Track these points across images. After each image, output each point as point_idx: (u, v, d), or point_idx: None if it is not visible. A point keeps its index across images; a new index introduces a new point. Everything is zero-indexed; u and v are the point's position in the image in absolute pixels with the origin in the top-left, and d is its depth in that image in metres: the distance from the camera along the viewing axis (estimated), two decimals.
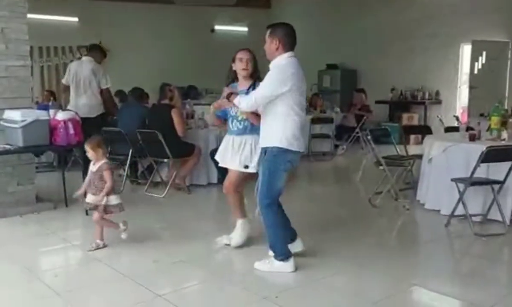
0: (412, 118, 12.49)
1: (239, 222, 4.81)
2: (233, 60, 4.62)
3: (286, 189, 7.60)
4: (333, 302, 3.82)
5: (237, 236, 4.79)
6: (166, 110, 7.03)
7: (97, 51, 8.16)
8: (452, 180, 5.44)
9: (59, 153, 7.76)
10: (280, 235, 4.30)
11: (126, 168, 7.38)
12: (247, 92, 4.36)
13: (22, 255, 4.76)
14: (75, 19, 12.89)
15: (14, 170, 6.10)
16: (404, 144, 7.54)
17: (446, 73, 12.23)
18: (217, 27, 14.99)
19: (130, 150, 7.15)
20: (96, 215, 4.76)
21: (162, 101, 7.32)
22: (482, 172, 5.42)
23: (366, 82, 13.24)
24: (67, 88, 8.09)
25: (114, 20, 12.79)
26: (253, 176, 4.69)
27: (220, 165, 4.80)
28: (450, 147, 5.85)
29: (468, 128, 6.49)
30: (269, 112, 4.16)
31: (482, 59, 11.09)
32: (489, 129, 6.45)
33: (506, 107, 8.65)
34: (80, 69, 7.80)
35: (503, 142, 5.86)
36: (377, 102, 12.69)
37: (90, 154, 4.78)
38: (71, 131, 5.76)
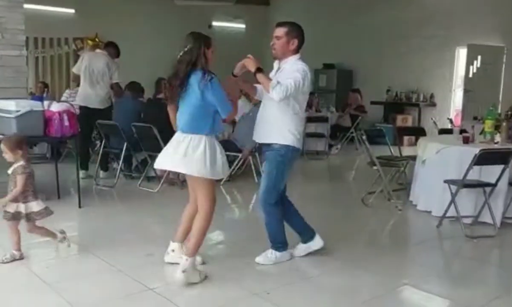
0: (406, 119, 12.53)
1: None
2: (208, 46, 4.00)
3: None
4: (323, 300, 3.83)
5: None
6: (162, 105, 7.01)
7: (113, 48, 8.13)
8: (444, 181, 5.48)
9: (52, 144, 7.74)
10: (282, 228, 4.40)
11: (121, 161, 7.38)
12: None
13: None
14: (72, 10, 12.81)
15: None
16: (398, 146, 7.57)
17: (441, 76, 12.28)
18: (214, 23, 14.96)
19: (125, 144, 7.15)
20: (27, 226, 4.34)
21: (158, 96, 7.32)
22: (475, 174, 5.46)
23: (362, 83, 13.27)
24: (76, 77, 8.05)
25: (111, 13, 12.74)
26: None
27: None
28: (444, 149, 5.87)
29: (462, 131, 6.53)
30: (278, 108, 4.10)
31: (477, 63, 11.14)
32: (482, 132, 6.49)
33: (499, 111, 8.70)
34: (94, 61, 7.75)
35: (496, 146, 5.90)
36: (372, 103, 12.73)
37: (7, 155, 4.25)
38: (66, 123, 5.73)
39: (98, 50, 8.18)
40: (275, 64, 4.33)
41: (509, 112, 7.65)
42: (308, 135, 10.21)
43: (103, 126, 7.41)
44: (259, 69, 4.01)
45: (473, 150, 5.37)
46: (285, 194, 4.46)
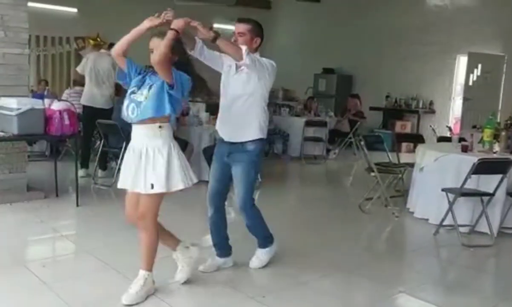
0: (405, 126, 12.54)
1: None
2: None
3: (277, 191, 7.70)
4: (318, 305, 3.84)
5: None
6: None
7: None
8: (442, 189, 5.49)
9: (52, 143, 7.76)
10: (265, 223, 4.33)
11: (119, 161, 7.38)
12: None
13: (10, 243, 4.77)
14: (74, 10, 12.84)
15: (6, 157, 6.11)
16: (396, 152, 7.59)
17: (441, 83, 12.30)
18: (216, 25, 14.93)
19: (124, 143, 7.15)
20: None
21: None
22: (473, 183, 5.47)
23: (361, 88, 13.28)
24: (79, 77, 8.06)
25: (114, 13, 12.73)
26: None
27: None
28: (442, 157, 5.89)
29: (461, 140, 6.54)
30: (253, 101, 4.01)
31: (478, 72, 11.16)
32: (481, 141, 6.51)
33: (499, 120, 8.72)
34: (99, 61, 7.76)
35: (494, 155, 5.92)
36: (371, 108, 12.74)
37: None
38: (66, 121, 5.75)
39: (102, 50, 8.19)
40: (229, 60, 4.04)
41: (509, 122, 7.66)
42: (306, 139, 10.24)
43: (102, 125, 7.42)
44: (217, 35, 3.71)
45: (472, 159, 5.38)
46: (225, 202, 4.32)
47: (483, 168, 5.25)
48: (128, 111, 3.56)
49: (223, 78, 4.14)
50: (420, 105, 12.49)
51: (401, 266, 4.97)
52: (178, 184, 3.62)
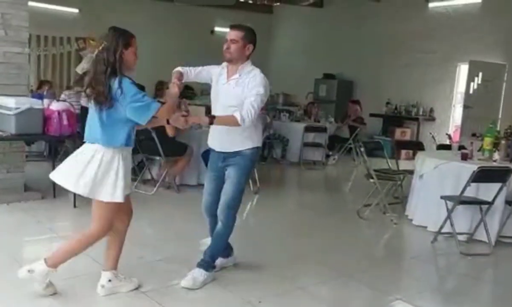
0: (405, 133, 12.53)
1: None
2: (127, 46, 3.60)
3: (275, 196, 7.68)
4: None
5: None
6: None
7: None
8: (441, 197, 5.47)
9: (50, 143, 7.73)
10: (224, 246, 4.27)
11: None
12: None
13: (6, 243, 4.73)
14: (76, 10, 12.87)
15: (4, 157, 6.08)
16: (396, 159, 7.57)
17: (442, 91, 12.29)
18: (217, 28, 14.99)
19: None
20: None
21: (158, 100, 7.31)
22: (472, 191, 5.46)
23: (362, 94, 13.28)
24: (80, 78, 8.03)
25: (115, 15, 12.64)
26: None
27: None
28: (442, 165, 5.87)
29: (461, 147, 6.53)
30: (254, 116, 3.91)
31: (478, 80, 11.15)
32: (481, 149, 6.50)
33: (498, 129, 8.70)
34: None
35: (494, 164, 5.90)
36: (372, 115, 12.73)
37: None
38: (65, 122, 5.74)
39: None
40: (223, 68, 4.09)
41: (509, 131, 7.65)
42: (306, 145, 10.22)
43: None
44: (212, 118, 3.82)
45: (471, 167, 5.37)
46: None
47: (482, 176, 5.24)
48: None
49: (215, 85, 4.11)
50: (421, 113, 12.48)
51: (399, 273, 4.96)
52: None
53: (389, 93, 12.98)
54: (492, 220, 5.56)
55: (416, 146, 8.76)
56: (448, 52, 11.91)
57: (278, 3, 15.76)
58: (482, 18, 11.31)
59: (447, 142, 9.05)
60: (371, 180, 6.42)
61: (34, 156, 8.55)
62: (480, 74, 11.14)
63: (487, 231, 5.41)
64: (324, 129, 10.55)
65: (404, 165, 8.27)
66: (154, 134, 6.67)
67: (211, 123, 3.84)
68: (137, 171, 7.55)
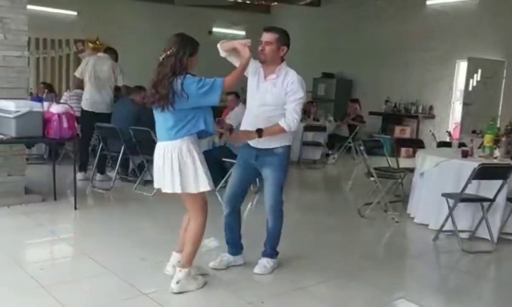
0: (404, 131, 12.52)
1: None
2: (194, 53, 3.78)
3: None
4: None
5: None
6: None
7: (113, 52, 8.13)
8: (442, 195, 5.47)
9: (50, 146, 7.73)
10: (279, 236, 4.44)
11: (117, 164, 7.37)
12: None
13: (7, 246, 4.74)
14: (74, 13, 12.86)
15: (5, 160, 6.09)
16: (396, 157, 7.57)
17: (441, 88, 12.29)
18: (215, 29, 14.99)
19: (122, 147, 7.14)
20: None
21: None
22: (473, 188, 5.45)
23: (361, 93, 13.29)
24: (80, 82, 8.03)
25: (113, 17, 12.77)
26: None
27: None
28: (442, 162, 5.87)
29: (461, 145, 6.53)
30: (275, 115, 4.12)
31: (477, 77, 11.14)
32: (481, 146, 6.49)
33: (498, 125, 8.71)
34: (99, 65, 7.73)
35: (495, 161, 5.90)
36: (371, 113, 12.74)
37: None
38: (65, 124, 5.72)
39: (100, 54, 8.15)
40: (257, 66, 4.21)
41: (509, 127, 7.64)
42: (305, 144, 10.21)
43: (101, 129, 7.40)
44: (260, 132, 4.05)
45: (472, 164, 5.37)
46: (241, 203, 4.44)
47: (483, 173, 5.24)
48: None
49: (252, 82, 4.24)
50: (420, 110, 12.48)
51: (401, 271, 4.95)
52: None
53: (388, 92, 12.98)
54: (493, 217, 5.55)
55: (416, 144, 8.77)
56: (447, 49, 11.92)
57: (275, 3, 15.78)
58: (480, 15, 11.31)
59: (447, 139, 9.05)
60: (372, 178, 6.42)
61: (34, 158, 8.55)
62: (479, 71, 11.13)
63: (489, 228, 5.40)
64: (323, 128, 10.54)
65: (404, 162, 8.27)
66: (154, 136, 6.65)
67: (260, 137, 4.06)
68: (137, 173, 7.55)
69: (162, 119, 3.79)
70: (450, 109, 12.26)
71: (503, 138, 6.35)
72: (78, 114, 7.53)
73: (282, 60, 4.18)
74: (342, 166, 10.70)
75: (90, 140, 8.05)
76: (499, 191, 5.40)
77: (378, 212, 6.52)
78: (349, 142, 10.98)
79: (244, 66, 3.89)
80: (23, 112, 5.50)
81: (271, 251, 4.42)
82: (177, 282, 3.83)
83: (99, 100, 7.65)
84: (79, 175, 7.24)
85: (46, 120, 5.74)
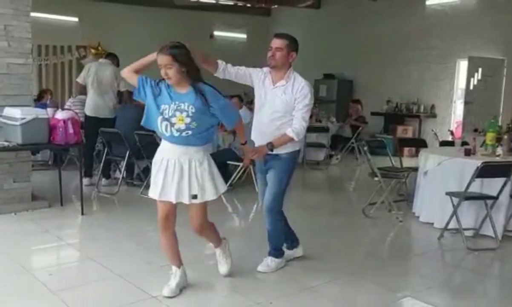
0: (406, 131, 12.54)
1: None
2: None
3: None
4: None
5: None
6: None
7: (114, 58, 8.18)
8: (446, 193, 5.50)
9: (56, 152, 7.77)
10: (283, 235, 4.55)
11: (123, 169, 7.41)
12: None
13: (16, 252, 4.77)
14: (75, 19, 12.90)
15: (11, 167, 6.12)
16: (399, 157, 7.59)
17: (442, 87, 12.33)
18: (216, 32, 15.05)
19: (127, 152, 7.18)
20: None
21: None
22: (476, 187, 5.49)
23: (362, 93, 13.31)
24: (83, 88, 8.07)
25: (114, 22, 12.81)
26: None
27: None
28: (446, 161, 5.90)
29: (464, 143, 6.56)
30: (283, 121, 4.20)
31: (478, 75, 11.18)
32: (483, 144, 6.52)
33: (500, 123, 8.74)
34: (101, 70, 7.77)
35: (497, 159, 5.93)
36: (373, 113, 12.76)
37: None
38: (70, 130, 5.77)
39: (102, 60, 8.20)
40: (266, 73, 4.31)
41: (511, 125, 7.68)
42: (308, 145, 10.24)
43: (105, 134, 7.44)
44: (270, 144, 4.14)
45: (475, 162, 5.41)
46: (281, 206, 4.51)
47: (486, 171, 5.27)
48: (162, 129, 3.68)
49: (260, 90, 4.30)
50: (422, 110, 12.50)
51: (406, 270, 4.98)
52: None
53: (389, 92, 13.01)
54: (497, 214, 5.58)
55: (418, 143, 8.79)
56: (447, 48, 11.96)
57: (275, 6, 15.83)
58: (479, 14, 11.35)
59: (449, 138, 9.08)
60: (376, 178, 6.44)
61: (39, 164, 8.59)
62: (480, 69, 11.16)
63: (493, 225, 5.43)
64: (326, 129, 10.58)
65: (407, 162, 8.29)
66: (158, 140, 6.68)
67: (271, 150, 4.16)
68: (142, 177, 7.58)
69: None
70: (451, 108, 12.29)
71: (505, 136, 6.39)
72: (81, 119, 7.57)
73: (290, 65, 4.26)
74: (345, 167, 10.73)
75: (95, 145, 8.09)
76: (502, 188, 5.43)
77: (382, 212, 6.54)
78: (352, 143, 11.01)
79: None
80: (29, 119, 5.54)
81: (274, 251, 4.48)
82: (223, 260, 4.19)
83: (102, 105, 7.69)
84: (85, 180, 7.28)
85: (51, 127, 5.78)
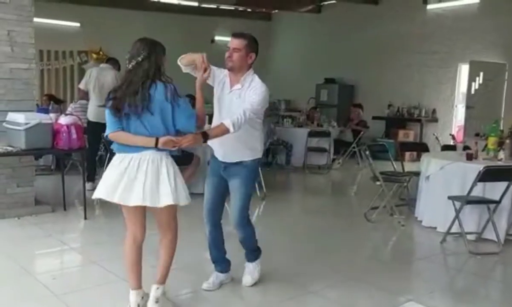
0: (408, 135, 12.54)
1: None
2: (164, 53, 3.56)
3: (281, 201, 7.72)
4: None
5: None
6: None
7: (115, 63, 8.21)
8: (448, 197, 5.51)
9: (59, 157, 7.80)
10: (255, 237, 4.24)
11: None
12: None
13: (20, 256, 4.78)
14: (77, 24, 12.95)
15: (14, 171, 6.13)
16: (401, 161, 7.60)
17: (443, 91, 12.34)
18: (217, 37, 15.08)
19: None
20: None
21: None
22: (479, 191, 5.50)
23: (363, 98, 13.32)
24: (84, 94, 8.09)
25: (116, 27, 12.84)
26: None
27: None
28: (448, 165, 5.92)
29: (465, 148, 6.57)
30: (247, 130, 3.84)
31: (479, 80, 11.20)
32: (485, 149, 6.53)
33: (502, 128, 8.75)
34: (103, 75, 7.79)
35: (500, 163, 5.94)
36: (374, 118, 12.77)
37: None
38: (74, 135, 5.80)
39: (103, 64, 8.24)
40: (225, 75, 3.95)
41: None
42: (310, 149, 10.27)
43: (108, 139, 7.45)
44: (205, 135, 3.64)
45: (477, 167, 5.42)
46: (221, 216, 4.17)
47: (488, 175, 5.28)
48: None
49: (216, 95, 4.00)
50: (423, 114, 12.51)
51: (409, 274, 5.00)
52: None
53: (390, 96, 13.02)
54: (500, 218, 5.59)
55: (420, 147, 8.79)
56: (448, 53, 11.97)
57: (276, 10, 15.88)
58: (480, 18, 11.36)
59: (451, 142, 9.09)
60: (378, 183, 6.45)
61: (41, 169, 8.60)
62: (481, 74, 11.18)
63: (495, 230, 5.44)
64: (327, 134, 10.60)
65: (408, 166, 8.30)
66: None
67: (206, 140, 3.68)
68: None
69: None
70: (453, 113, 12.30)
71: (507, 141, 6.39)
72: (85, 125, 7.59)
73: (249, 67, 3.93)
74: (346, 171, 10.73)
75: (97, 150, 8.11)
76: (504, 192, 5.44)
77: (384, 216, 6.56)
78: (353, 148, 11.02)
79: (200, 85, 3.74)
80: (32, 124, 5.57)
81: (252, 254, 4.26)
82: (157, 302, 3.59)
83: (104, 110, 7.69)
84: (88, 185, 7.27)
85: (55, 132, 5.80)
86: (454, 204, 5.44)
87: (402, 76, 12.90)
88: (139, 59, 3.40)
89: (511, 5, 10.62)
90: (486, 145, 6.55)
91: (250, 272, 4.25)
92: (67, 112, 8.41)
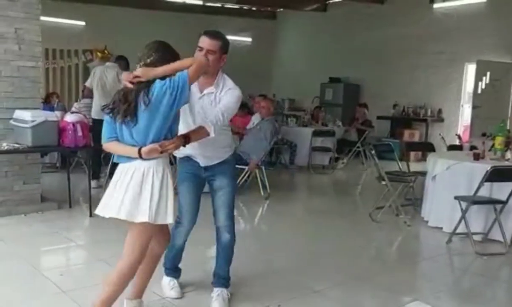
0: (413, 135, 12.52)
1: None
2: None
3: (286, 201, 7.71)
4: None
5: None
6: None
7: (123, 61, 8.24)
8: (455, 197, 5.49)
9: (64, 154, 7.81)
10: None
11: None
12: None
13: (27, 253, 4.79)
14: (82, 23, 12.99)
15: (21, 169, 6.15)
16: (406, 161, 7.59)
17: (450, 91, 12.31)
18: None
19: None
20: None
21: None
22: (485, 191, 5.48)
23: (368, 97, 13.30)
24: (90, 92, 8.14)
25: (121, 26, 12.87)
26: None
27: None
28: (454, 165, 5.90)
29: (472, 148, 6.54)
30: (221, 132, 3.61)
31: (486, 79, 11.16)
32: (491, 149, 6.51)
33: (508, 127, 8.72)
34: (105, 74, 7.86)
35: (507, 163, 5.92)
36: (379, 117, 12.75)
37: None
38: (79, 133, 5.82)
39: (108, 63, 8.26)
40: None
41: None
42: (314, 149, 10.25)
43: None
44: (187, 139, 3.33)
45: (484, 167, 5.40)
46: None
47: (495, 175, 5.26)
48: None
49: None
50: (429, 114, 12.48)
51: (414, 274, 4.98)
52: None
53: (396, 96, 13.00)
54: (506, 219, 5.56)
55: (426, 147, 8.77)
56: (455, 52, 11.93)
57: (281, 9, 15.87)
58: (487, 18, 11.33)
59: (457, 142, 9.06)
60: (383, 182, 6.44)
61: (47, 167, 8.63)
62: (488, 73, 11.15)
63: (502, 230, 5.42)
64: (332, 133, 10.59)
65: (414, 166, 8.28)
66: None
67: (186, 144, 3.34)
68: None
69: None
70: (459, 112, 12.27)
71: None
72: (91, 124, 7.60)
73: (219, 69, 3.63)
74: (351, 171, 10.72)
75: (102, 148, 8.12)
76: (511, 193, 5.42)
77: (389, 216, 6.54)
78: (358, 147, 11.00)
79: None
80: (39, 121, 5.59)
81: (228, 277, 3.92)
82: None
83: None
84: (93, 183, 7.30)
85: (61, 129, 5.82)
86: (460, 204, 5.42)
87: (408, 76, 12.87)
88: (148, 61, 3.30)
89: None
90: (493, 145, 6.53)
91: (222, 295, 3.84)
92: (72, 110, 8.44)
